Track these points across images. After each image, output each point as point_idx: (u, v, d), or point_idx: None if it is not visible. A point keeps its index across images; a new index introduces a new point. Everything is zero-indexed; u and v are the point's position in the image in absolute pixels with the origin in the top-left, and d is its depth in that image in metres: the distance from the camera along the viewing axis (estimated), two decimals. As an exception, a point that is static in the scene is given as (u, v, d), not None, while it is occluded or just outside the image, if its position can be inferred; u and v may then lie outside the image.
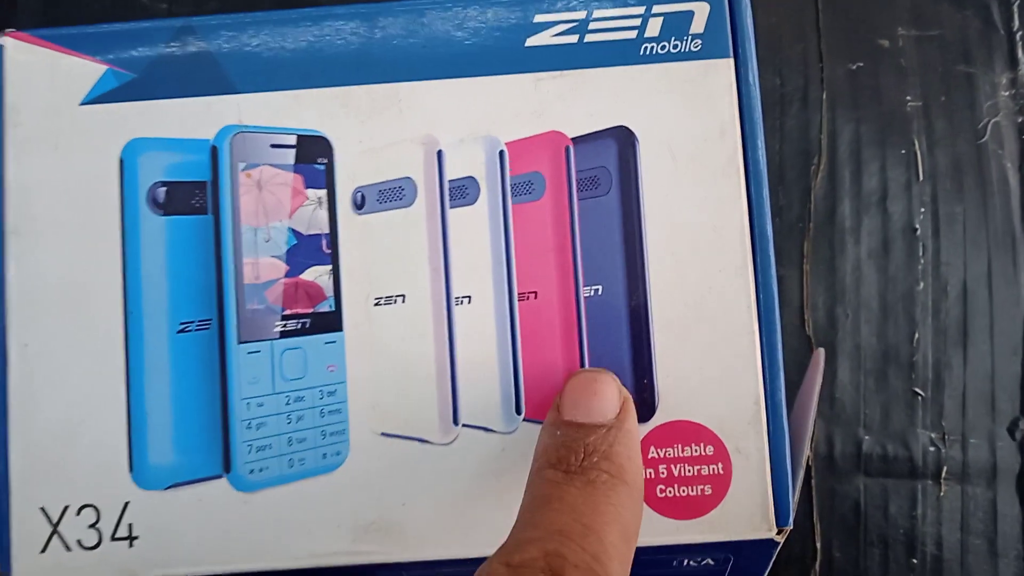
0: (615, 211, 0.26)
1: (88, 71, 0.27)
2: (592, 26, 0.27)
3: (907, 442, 0.39)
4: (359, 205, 0.27)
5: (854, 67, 0.41)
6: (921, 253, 0.40)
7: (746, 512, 0.25)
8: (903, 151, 0.40)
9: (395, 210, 0.27)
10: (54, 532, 0.26)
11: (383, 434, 0.26)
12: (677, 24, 0.27)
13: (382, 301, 0.27)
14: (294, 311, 0.26)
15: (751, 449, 0.25)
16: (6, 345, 0.26)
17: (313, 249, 0.27)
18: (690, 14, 0.27)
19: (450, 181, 0.27)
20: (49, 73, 0.27)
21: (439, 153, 0.27)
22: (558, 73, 0.27)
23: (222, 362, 0.26)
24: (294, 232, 0.27)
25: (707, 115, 0.26)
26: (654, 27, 0.27)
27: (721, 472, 0.25)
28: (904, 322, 0.39)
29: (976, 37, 0.41)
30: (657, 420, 0.26)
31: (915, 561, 0.39)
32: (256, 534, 0.26)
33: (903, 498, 0.39)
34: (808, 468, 0.39)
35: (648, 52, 0.27)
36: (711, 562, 0.27)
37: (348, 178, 0.27)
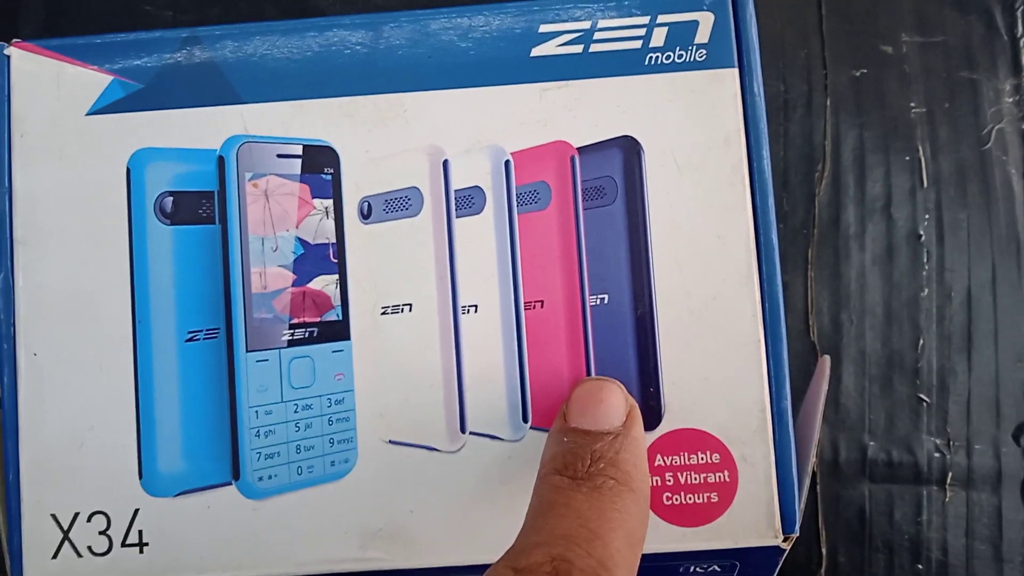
0: (621, 220, 0.26)
1: (94, 81, 0.27)
2: (597, 36, 0.27)
3: (912, 448, 0.39)
4: (365, 214, 0.27)
5: (858, 73, 0.41)
6: (925, 259, 0.40)
7: (752, 519, 0.25)
8: (907, 157, 0.40)
9: (401, 219, 0.27)
10: (65, 538, 0.26)
11: (391, 442, 0.26)
12: (682, 34, 0.27)
13: (389, 310, 0.27)
14: (302, 320, 0.26)
15: (757, 457, 0.25)
16: (16, 354, 0.26)
17: (320, 258, 0.27)
18: (695, 24, 0.27)
19: (456, 191, 0.27)
20: (55, 83, 0.27)
21: (445, 163, 0.27)
22: (563, 83, 0.27)
23: (230, 371, 0.26)
24: (301, 241, 0.27)
25: (712, 124, 0.26)
26: (659, 37, 0.27)
27: (727, 480, 0.26)
28: (908, 328, 0.40)
29: (980, 43, 0.41)
30: (663, 428, 0.26)
31: (920, 567, 0.39)
32: (264, 541, 0.26)
33: (908, 504, 0.39)
34: (813, 474, 0.39)
35: (653, 62, 0.27)
36: (717, 569, 0.27)
37: (354, 188, 0.27)
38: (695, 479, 0.26)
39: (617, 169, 0.27)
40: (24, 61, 0.27)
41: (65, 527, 0.26)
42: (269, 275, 0.26)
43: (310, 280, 0.27)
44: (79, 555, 0.26)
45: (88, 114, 0.27)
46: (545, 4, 0.27)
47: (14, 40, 0.27)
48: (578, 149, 0.27)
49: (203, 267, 0.26)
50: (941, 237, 0.40)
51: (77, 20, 0.42)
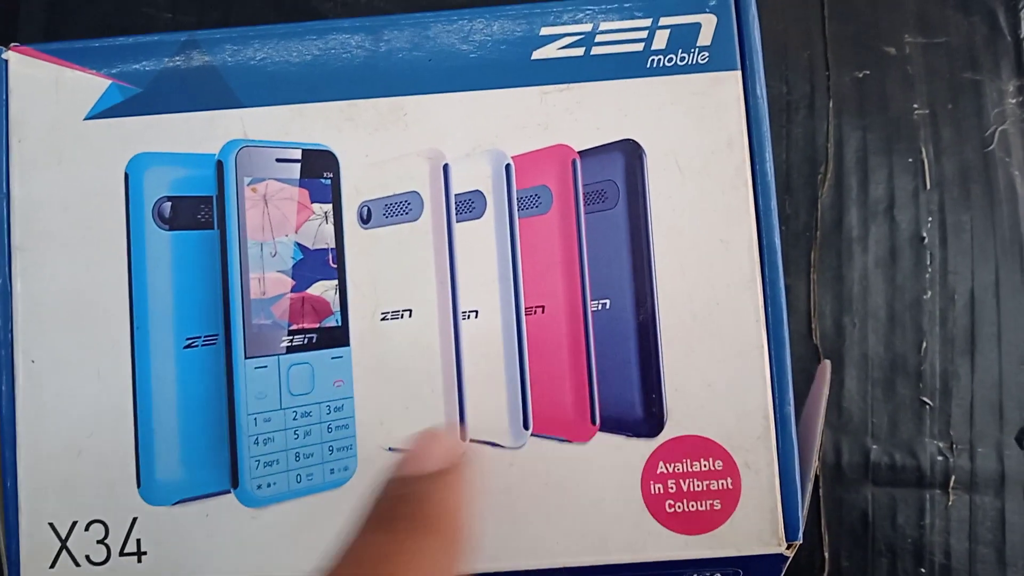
0: (622, 224, 0.26)
1: (92, 85, 0.27)
2: (598, 39, 0.27)
3: (915, 451, 0.39)
4: (365, 219, 0.27)
5: (860, 74, 0.41)
6: (928, 262, 0.40)
7: (755, 527, 0.25)
8: (910, 159, 0.40)
9: (401, 224, 0.27)
10: (63, 547, 0.26)
11: (391, 449, 0.26)
12: (684, 36, 0.27)
13: (389, 316, 0.26)
14: (301, 326, 0.26)
15: (760, 464, 0.25)
16: (14, 360, 0.26)
17: (319, 264, 0.27)
18: (697, 26, 0.27)
19: (457, 195, 0.27)
20: (53, 87, 0.27)
21: (445, 167, 0.27)
22: (564, 86, 0.27)
23: (229, 377, 0.26)
24: (300, 247, 0.27)
25: (714, 127, 0.26)
26: (661, 39, 0.27)
27: (730, 487, 0.25)
28: (911, 331, 0.39)
29: (983, 44, 0.41)
30: (666, 435, 0.26)
31: (923, 571, 0.38)
32: (264, 549, 0.26)
33: (911, 507, 0.39)
34: (816, 478, 0.39)
35: (655, 65, 0.27)
36: (720, 576, 0.27)
37: (354, 192, 0.27)
38: (698, 486, 0.25)
39: (619, 173, 0.26)
40: (22, 65, 0.27)
41: (63, 536, 0.26)
42: (268, 281, 0.26)
43: (309, 286, 0.27)
44: (77, 564, 0.26)
45: (86, 119, 0.27)
46: (546, 7, 0.27)
47: (12, 44, 0.27)
48: (579, 153, 0.27)
49: (202, 273, 0.26)
50: (944, 239, 0.40)
51: (77, 22, 0.42)
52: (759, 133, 0.26)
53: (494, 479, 0.26)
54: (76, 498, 0.26)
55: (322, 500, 0.26)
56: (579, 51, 0.27)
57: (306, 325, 0.26)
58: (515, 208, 0.27)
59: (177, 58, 0.27)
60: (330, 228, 0.27)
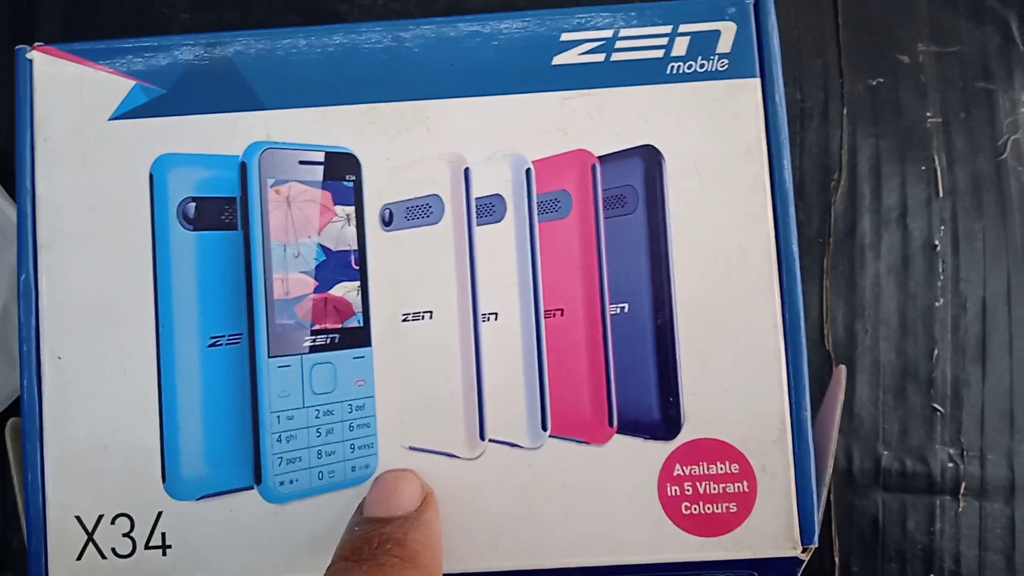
0: (641, 229, 0.26)
1: (117, 86, 0.27)
2: (619, 45, 0.27)
3: (925, 458, 0.39)
4: (387, 222, 0.27)
5: (874, 83, 0.41)
6: (940, 269, 0.40)
7: (771, 530, 0.25)
8: (923, 167, 0.40)
9: (423, 227, 0.27)
10: (89, 540, 0.26)
11: (411, 448, 0.26)
12: (704, 44, 0.27)
13: (410, 317, 0.27)
14: (323, 326, 0.27)
15: (776, 467, 0.26)
16: (40, 357, 0.26)
17: (342, 265, 0.27)
18: (717, 33, 0.27)
19: (477, 198, 0.27)
20: (78, 87, 0.27)
21: (466, 171, 0.27)
22: (585, 92, 0.27)
23: (252, 376, 0.26)
24: (323, 248, 0.27)
25: (733, 134, 0.26)
26: (681, 46, 0.27)
27: (746, 490, 0.26)
28: (923, 338, 0.40)
29: (996, 53, 0.41)
30: (682, 438, 0.26)
31: (933, 576, 0.39)
32: (286, 545, 0.26)
33: (921, 514, 0.39)
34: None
35: (675, 71, 0.27)
36: (734, 579, 0.27)
37: (376, 195, 0.27)
38: (714, 489, 0.26)
39: (638, 178, 0.27)
40: (47, 65, 0.27)
41: (90, 529, 0.26)
42: (291, 281, 0.26)
43: (332, 287, 0.27)
44: (103, 557, 0.26)
45: (111, 119, 0.27)
46: (567, 13, 0.27)
47: (36, 44, 0.28)
48: (599, 158, 0.27)
49: (225, 273, 0.26)
50: (956, 247, 0.40)
51: (95, 21, 0.42)
52: (777, 140, 0.26)
53: (512, 479, 0.26)
54: (102, 492, 0.26)
55: (343, 497, 0.26)
56: (600, 57, 0.27)
57: (329, 325, 0.27)
58: (535, 212, 0.27)
59: (202, 60, 0.27)
60: (352, 230, 0.27)
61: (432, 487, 0.26)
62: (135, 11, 0.42)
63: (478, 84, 0.27)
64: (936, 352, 0.39)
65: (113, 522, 0.26)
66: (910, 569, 0.39)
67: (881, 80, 0.41)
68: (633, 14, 0.27)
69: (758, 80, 0.27)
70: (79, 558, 0.26)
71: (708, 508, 0.26)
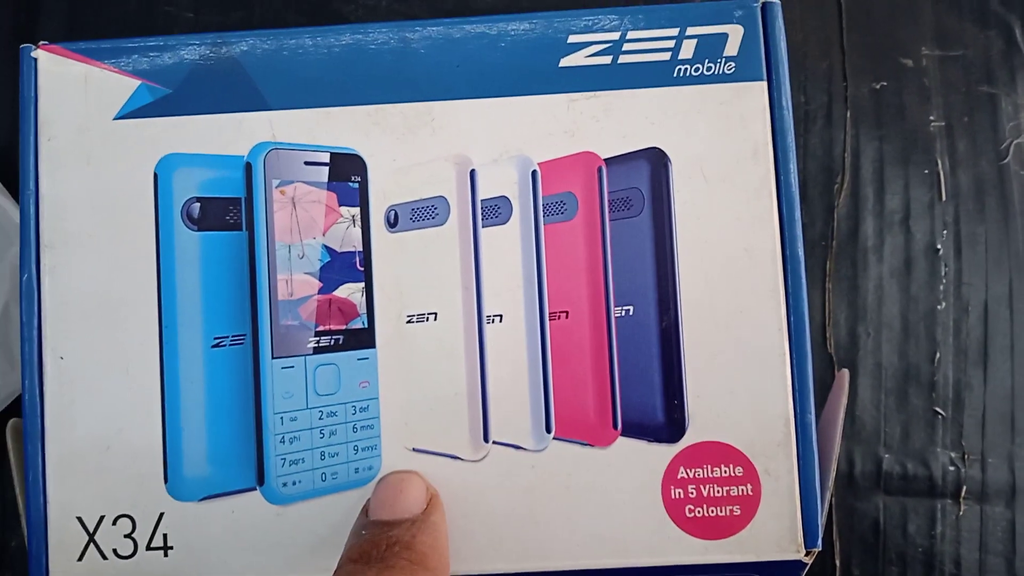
0: (647, 232, 0.26)
1: (121, 85, 0.27)
2: (626, 47, 0.27)
3: (927, 461, 0.39)
4: (392, 223, 0.27)
5: (878, 86, 0.41)
6: (943, 273, 0.40)
7: (774, 533, 0.25)
8: (926, 171, 0.41)
9: (428, 228, 0.27)
10: (90, 541, 0.26)
11: (414, 450, 0.26)
12: (711, 46, 0.27)
13: (414, 319, 0.27)
14: (327, 327, 0.27)
15: (780, 470, 0.26)
16: (42, 357, 0.26)
17: (346, 266, 0.27)
18: (724, 36, 0.27)
19: (483, 200, 0.27)
20: (82, 87, 0.27)
21: (472, 172, 0.27)
22: (591, 94, 0.27)
23: (256, 377, 0.26)
24: (328, 249, 0.27)
25: (740, 137, 0.26)
26: (688, 49, 0.27)
27: (750, 493, 0.26)
28: (925, 342, 0.40)
29: (999, 58, 0.41)
30: (687, 441, 0.26)
31: (933, 580, 0.39)
32: (288, 547, 0.26)
33: (922, 517, 0.39)
34: (828, 486, 0.39)
35: (682, 74, 0.27)
36: (737, 582, 0.27)
37: (381, 196, 0.27)
38: (718, 492, 0.26)
39: (644, 181, 0.27)
40: (52, 63, 0.27)
41: (91, 529, 0.26)
42: (295, 282, 0.26)
43: (336, 288, 0.27)
44: (104, 557, 0.26)
45: (116, 119, 0.27)
46: (574, 15, 0.27)
47: (41, 42, 0.27)
48: (605, 160, 0.27)
49: (230, 273, 0.26)
50: (959, 251, 0.40)
51: (98, 21, 0.42)
52: (784, 143, 0.26)
53: (516, 481, 0.26)
54: (104, 493, 0.26)
55: (346, 499, 0.26)
56: (607, 59, 0.27)
57: (333, 327, 0.27)
58: (540, 214, 0.27)
59: (207, 60, 0.27)
60: (357, 231, 0.27)
61: (437, 489, 0.26)
62: (139, 10, 0.42)
63: (485, 86, 0.27)
64: (938, 355, 0.40)
65: (115, 523, 0.26)
66: (911, 572, 0.39)
67: (885, 83, 0.41)
68: (640, 17, 0.27)
69: (765, 83, 0.27)
70: (80, 559, 0.26)
71: (712, 511, 0.26)
